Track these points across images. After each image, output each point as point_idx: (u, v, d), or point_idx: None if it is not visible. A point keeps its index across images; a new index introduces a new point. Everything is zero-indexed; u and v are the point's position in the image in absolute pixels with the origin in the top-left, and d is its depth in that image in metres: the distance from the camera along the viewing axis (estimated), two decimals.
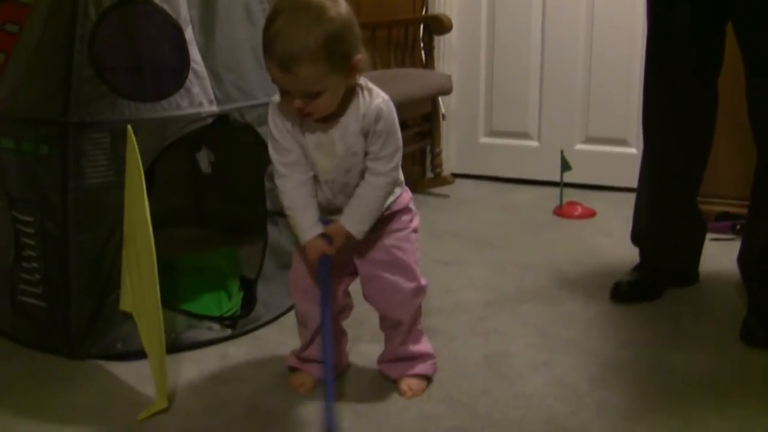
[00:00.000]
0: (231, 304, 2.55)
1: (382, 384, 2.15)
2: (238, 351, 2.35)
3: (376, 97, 1.89)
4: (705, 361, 2.29)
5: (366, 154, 1.91)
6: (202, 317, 2.42)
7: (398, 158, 1.94)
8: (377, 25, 4.04)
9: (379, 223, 2.00)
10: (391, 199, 2.00)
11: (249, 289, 2.57)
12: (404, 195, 2.05)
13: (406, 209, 2.05)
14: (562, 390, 2.12)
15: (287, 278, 2.56)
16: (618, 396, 2.10)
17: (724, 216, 3.40)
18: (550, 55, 4.17)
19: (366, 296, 2.11)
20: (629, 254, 2.86)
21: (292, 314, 2.54)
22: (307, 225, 1.93)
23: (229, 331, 2.42)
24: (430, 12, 4.18)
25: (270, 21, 1.75)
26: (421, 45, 4.15)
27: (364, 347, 2.33)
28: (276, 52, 1.73)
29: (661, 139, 2.66)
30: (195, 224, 3.29)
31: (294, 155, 1.92)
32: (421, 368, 2.15)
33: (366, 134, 1.89)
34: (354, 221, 1.93)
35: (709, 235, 2.94)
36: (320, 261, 1.94)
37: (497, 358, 2.30)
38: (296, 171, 1.93)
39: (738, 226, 3.31)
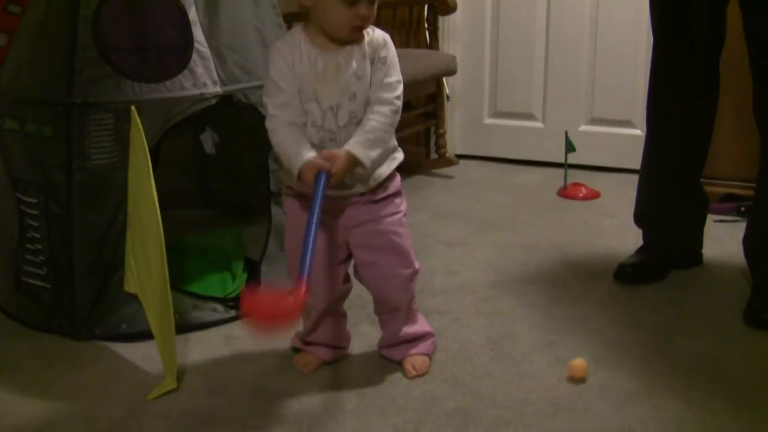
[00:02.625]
0: (235, 285, 2.56)
1: (385, 365, 2.16)
2: (242, 331, 2.36)
3: (377, 30, 1.97)
4: (708, 344, 2.29)
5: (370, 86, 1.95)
6: (206, 298, 2.42)
7: (401, 89, 1.97)
8: (382, 4, 3.97)
9: (375, 206, 2.02)
10: (393, 165, 2.02)
11: (253, 270, 2.57)
12: (397, 177, 2.06)
13: (398, 193, 2.06)
14: (565, 371, 2.12)
15: None
16: (621, 377, 2.10)
17: (728, 197, 3.39)
18: (554, 36, 4.15)
19: (362, 280, 2.11)
20: (633, 236, 2.85)
21: None
22: (300, 151, 1.88)
23: (233, 312, 2.42)
24: None
25: None
26: (426, 25, 4.14)
27: (366, 329, 2.33)
28: None
29: (666, 119, 2.65)
30: (199, 205, 3.29)
31: (286, 96, 1.92)
32: (423, 347, 2.17)
33: (372, 60, 1.93)
34: (361, 145, 1.90)
35: (713, 217, 2.94)
36: (317, 178, 1.85)
37: (501, 339, 2.31)
38: (286, 112, 1.92)
39: (743, 208, 3.31)
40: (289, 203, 2.08)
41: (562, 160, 3.85)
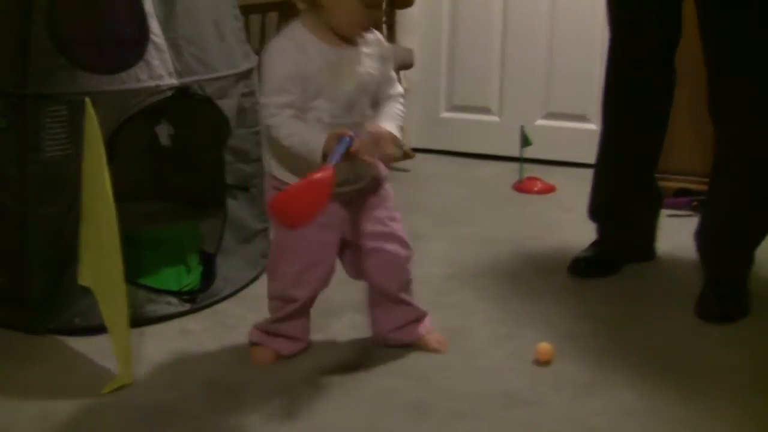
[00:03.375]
0: (190, 278, 2.54)
1: (342, 358, 2.16)
2: (197, 325, 2.35)
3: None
4: (661, 336, 2.32)
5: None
6: (161, 291, 2.41)
7: None
8: None
9: (375, 196, 2.09)
10: None
11: (208, 263, 2.56)
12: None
13: (385, 177, 2.12)
14: (521, 363, 2.14)
15: (247, 252, 2.57)
16: (576, 369, 2.12)
17: (681, 192, 3.43)
18: (511, 30, 4.16)
19: (366, 272, 2.13)
20: (588, 229, 2.87)
21: (251, 288, 2.56)
22: (317, 134, 1.90)
23: (188, 306, 2.41)
24: None
25: None
26: (383, 18, 4.13)
27: (320, 321, 2.33)
28: None
29: (621, 114, 2.68)
30: (155, 198, 3.26)
31: (291, 96, 1.92)
32: (428, 323, 2.25)
33: (381, 58, 2.01)
34: (393, 126, 1.98)
35: (666, 211, 2.97)
36: (338, 141, 1.87)
37: (457, 332, 2.32)
38: (290, 110, 1.92)
39: (695, 203, 3.34)
40: None
41: (518, 154, 3.86)
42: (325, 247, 2.08)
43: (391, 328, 2.21)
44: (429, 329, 2.24)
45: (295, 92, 1.92)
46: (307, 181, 1.80)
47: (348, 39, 1.96)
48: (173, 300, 2.40)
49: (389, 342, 2.21)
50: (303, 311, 2.16)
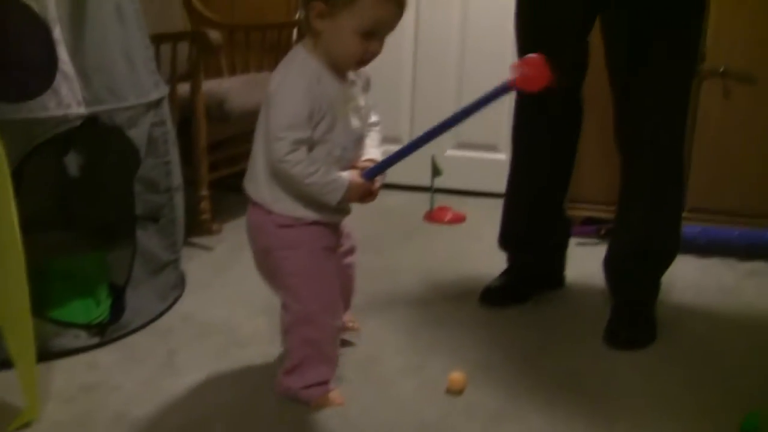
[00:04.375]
0: (99, 310, 2.50)
1: (256, 387, 2.14)
2: (107, 358, 2.31)
3: None
4: (571, 362, 2.35)
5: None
6: (69, 325, 2.36)
7: None
8: (251, 27, 4.01)
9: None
10: None
11: (118, 295, 2.52)
12: None
13: None
14: (432, 394, 2.14)
15: (157, 284, 2.54)
16: (488, 398, 2.13)
17: (589, 221, 3.49)
18: (422, 63, 4.21)
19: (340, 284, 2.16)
20: (498, 258, 2.90)
21: (161, 320, 2.53)
22: (335, 180, 1.93)
23: (97, 339, 2.37)
24: None
25: None
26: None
27: (234, 351, 2.31)
28: None
29: (531, 144, 2.72)
30: (63, 228, 3.20)
31: (307, 133, 1.88)
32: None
33: (366, 88, 2.04)
34: (376, 150, 2.10)
35: (575, 240, 3.02)
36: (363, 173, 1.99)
37: (368, 364, 2.32)
38: (303, 149, 1.88)
39: (603, 231, 3.41)
40: (300, 232, 2.00)
41: (428, 183, 3.89)
42: (335, 268, 2.12)
43: None
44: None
45: (311, 129, 1.89)
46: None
47: (344, 72, 1.96)
48: (82, 333, 2.36)
49: None
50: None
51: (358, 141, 2.02)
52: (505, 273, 2.86)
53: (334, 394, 2.10)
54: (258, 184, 1.99)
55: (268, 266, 2.07)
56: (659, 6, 2.38)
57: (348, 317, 2.37)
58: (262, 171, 1.97)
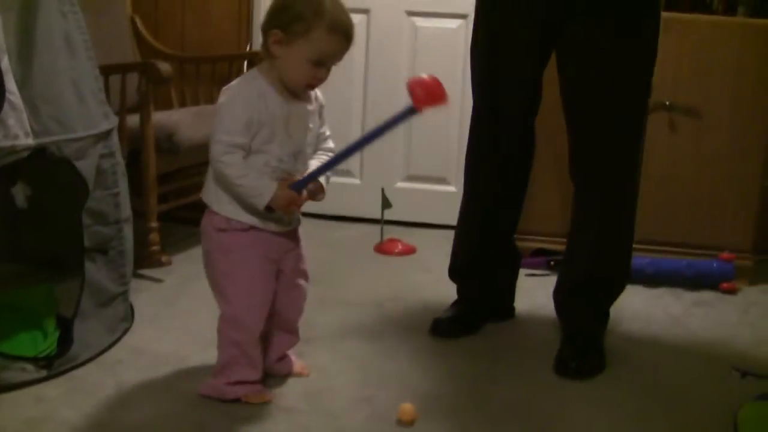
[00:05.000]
0: (46, 343, 2.47)
1: (206, 420, 2.13)
2: (54, 392, 2.27)
3: None
4: (521, 392, 2.37)
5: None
6: (15, 358, 2.33)
7: None
8: (201, 60, 4.01)
9: (296, 236, 2.30)
10: None
11: (65, 328, 2.49)
12: None
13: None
14: (383, 425, 2.14)
15: (105, 316, 2.52)
16: (438, 428, 2.14)
17: (539, 252, 3.52)
18: (371, 96, 4.23)
19: (280, 305, 2.29)
20: (449, 290, 2.92)
21: (110, 353, 2.50)
22: (264, 184, 2.07)
23: (44, 372, 2.34)
24: (254, 48, 4.18)
25: (318, 3, 2.02)
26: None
27: (174, 383, 2.30)
28: (345, 24, 2.05)
29: (484, 177, 2.74)
30: (10, 260, 3.17)
31: (244, 140, 2.06)
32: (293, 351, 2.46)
33: (319, 114, 2.22)
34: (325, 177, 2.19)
35: (525, 271, 3.04)
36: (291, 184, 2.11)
37: (319, 394, 2.31)
38: (239, 153, 2.06)
39: (552, 262, 3.44)
40: (235, 236, 2.16)
41: (378, 216, 3.91)
42: (273, 278, 2.24)
43: (277, 358, 2.38)
44: (294, 359, 2.44)
45: (248, 137, 2.06)
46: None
47: (295, 94, 2.12)
48: (29, 366, 2.33)
49: (275, 372, 2.38)
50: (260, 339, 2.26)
51: (297, 156, 2.15)
52: (455, 304, 2.87)
53: (265, 392, 2.26)
54: (208, 187, 2.18)
55: (208, 267, 2.22)
56: (613, 42, 2.43)
57: (298, 365, 2.44)
58: (211, 175, 2.15)
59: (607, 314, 2.70)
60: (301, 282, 2.33)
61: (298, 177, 2.14)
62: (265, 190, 2.06)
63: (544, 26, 2.54)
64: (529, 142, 2.74)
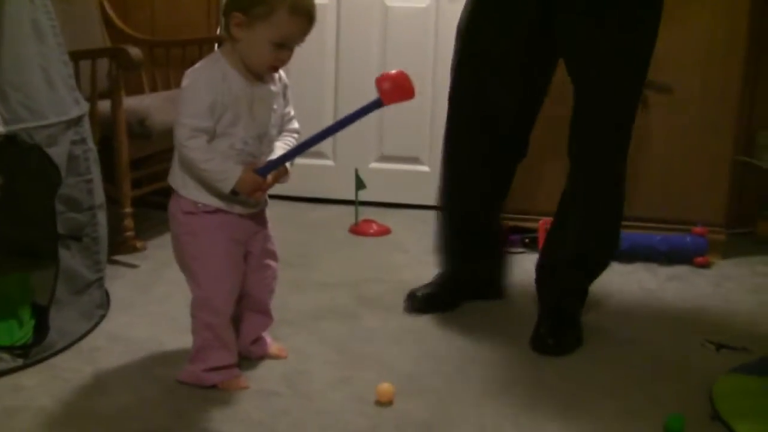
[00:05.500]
0: (22, 332, 2.46)
1: (182, 404, 2.13)
2: (31, 381, 2.27)
3: None
4: (499, 370, 2.38)
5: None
6: None
7: None
8: (172, 44, 3.99)
9: (263, 217, 2.30)
10: None
11: (41, 316, 2.48)
12: None
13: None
14: (362, 406, 2.15)
15: (81, 304, 2.51)
16: (417, 408, 2.14)
17: (513, 230, 3.53)
18: (343, 75, 4.22)
19: (250, 284, 2.29)
20: (425, 270, 2.93)
21: (87, 340, 2.49)
22: (228, 169, 2.07)
23: (20, 361, 2.33)
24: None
25: None
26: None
27: (159, 371, 2.30)
28: (307, 5, 2.05)
29: (468, 157, 2.73)
30: None
31: (208, 123, 2.06)
32: (268, 333, 2.45)
33: (283, 95, 2.22)
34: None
35: None
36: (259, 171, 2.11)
37: (296, 377, 2.31)
38: (203, 137, 2.06)
39: (527, 240, 3.45)
40: (202, 219, 2.16)
41: (353, 197, 3.91)
42: (241, 260, 2.24)
43: (251, 340, 2.38)
44: (270, 341, 2.44)
45: (212, 120, 2.06)
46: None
47: (258, 76, 2.12)
48: (5, 356, 2.32)
49: (251, 355, 2.39)
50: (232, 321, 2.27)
51: (262, 138, 2.16)
52: (436, 281, 2.87)
53: (241, 379, 2.26)
54: (174, 171, 2.18)
55: (177, 251, 2.23)
56: (615, 30, 2.43)
57: (275, 347, 2.45)
58: (176, 159, 2.16)
59: (585, 291, 2.72)
60: (270, 262, 2.34)
61: (264, 159, 2.15)
62: (230, 174, 2.06)
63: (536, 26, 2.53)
64: (521, 146, 2.75)
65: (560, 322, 2.59)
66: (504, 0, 2.55)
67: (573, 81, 2.53)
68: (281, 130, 2.24)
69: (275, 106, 2.18)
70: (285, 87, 2.23)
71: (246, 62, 2.09)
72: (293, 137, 2.25)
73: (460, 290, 2.86)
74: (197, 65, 2.13)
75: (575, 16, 2.44)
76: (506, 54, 2.55)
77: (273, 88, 2.18)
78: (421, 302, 2.78)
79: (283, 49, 2.07)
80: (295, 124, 2.28)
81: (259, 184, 2.10)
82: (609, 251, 2.71)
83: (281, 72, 2.21)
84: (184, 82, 2.09)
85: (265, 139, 2.17)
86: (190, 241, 2.18)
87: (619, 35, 2.43)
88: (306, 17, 2.05)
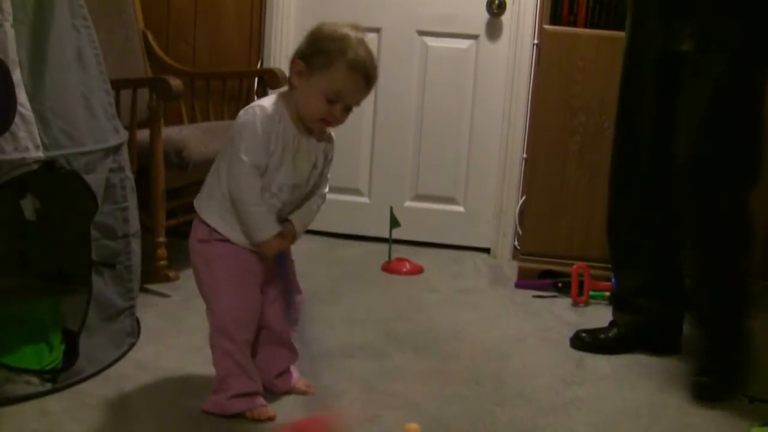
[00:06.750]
0: (52, 357, 2.47)
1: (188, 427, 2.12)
2: (58, 406, 2.27)
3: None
4: (527, 414, 2.36)
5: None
6: (20, 371, 2.32)
7: None
8: (212, 76, 4.02)
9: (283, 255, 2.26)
10: None
11: (71, 342, 2.49)
12: None
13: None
14: None
15: (111, 331, 2.51)
16: None
17: (546, 274, 3.51)
18: (382, 114, 4.23)
19: (268, 318, 2.30)
20: (456, 310, 2.91)
21: (115, 368, 2.49)
22: (270, 224, 2.12)
23: (49, 386, 2.33)
24: (265, 65, 4.19)
25: (343, 40, 2.06)
26: (255, 98, 4.15)
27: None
28: (366, 65, 2.07)
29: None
30: (17, 273, 3.18)
31: (264, 160, 2.09)
32: (294, 368, 2.43)
33: (325, 156, 2.23)
34: (301, 225, 2.23)
35: (531, 292, 3.02)
36: (279, 256, 2.20)
37: (324, 413, 2.30)
38: (258, 176, 2.09)
39: (560, 284, 3.43)
40: (215, 247, 2.19)
41: (387, 235, 3.90)
42: (255, 289, 2.24)
43: (275, 373, 2.36)
44: (297, 376, 2.42)
45: (267, 158, 2.09)
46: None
47: (310, 128, 2.15)
48: (34, 379, 2.32)
49: (275, 389, 2.36)
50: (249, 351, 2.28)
51: (296, 189, 2.18)
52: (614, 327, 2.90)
53: (268, 409, 2.24)
54: (201, 197, 2.23)
55: (196, 280, 2.26)
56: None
57: (302, 383, 2.43)
58: (207, 186, 2.21)
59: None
60: (283, 293, 2.32)
61: (288, 210, 2.21)
62: (267, 230, 2.11)
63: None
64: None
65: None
66: None
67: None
68: (313, 192, 2.26)
69: (317, 163, 2.20)
70: (329, 148, 2.25)
71: (300, 111, 2.12)
72: (317, 204, 2.28)
73: (634, 339, 2.87)
74: (256, 103, 2.15)
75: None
76: None
77: (320, 144, 2.20)
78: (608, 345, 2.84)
79: (336, 104, 2.09)
80: (326, 189, 2.30)
81: (276, 252, 2.17)
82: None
83: (332, 132, 2.23)
84: (242, 117, 2.11)
85: (298, 191, 2.19)
86: (204, 270, 2.21)
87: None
88: (363, 76, 2.08)
